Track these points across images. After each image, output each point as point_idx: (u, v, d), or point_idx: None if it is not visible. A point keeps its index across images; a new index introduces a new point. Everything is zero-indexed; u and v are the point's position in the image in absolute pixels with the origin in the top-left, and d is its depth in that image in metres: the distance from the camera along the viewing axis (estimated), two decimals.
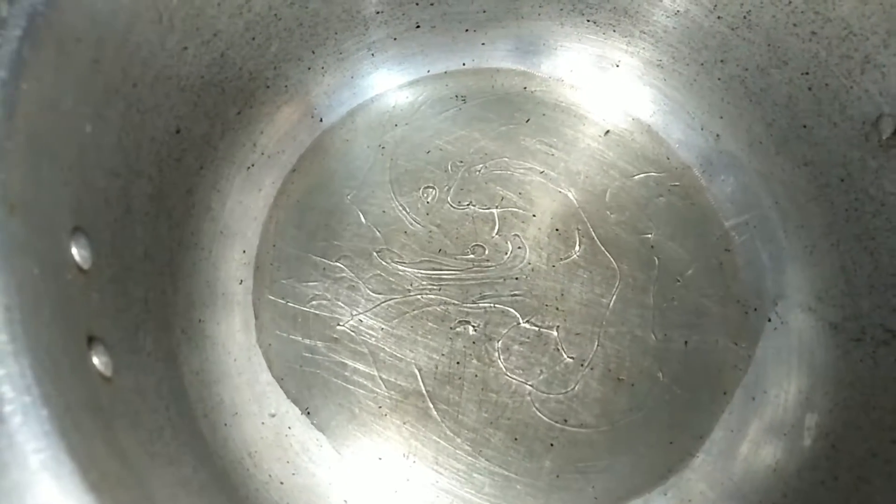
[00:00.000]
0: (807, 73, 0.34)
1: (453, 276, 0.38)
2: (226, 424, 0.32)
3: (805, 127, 0.35)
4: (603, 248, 0.39)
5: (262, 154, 0.37)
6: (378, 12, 0.38)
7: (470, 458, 0.35)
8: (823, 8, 0.31)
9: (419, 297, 0.37)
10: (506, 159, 0.40)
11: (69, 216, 0.20)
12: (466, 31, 0.40)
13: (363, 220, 0.38)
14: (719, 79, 0.38)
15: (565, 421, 0.36)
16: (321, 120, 0.39)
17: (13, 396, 0.15)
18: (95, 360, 0.19)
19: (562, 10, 0.39)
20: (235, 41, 0.31)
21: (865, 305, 0.33)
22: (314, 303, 0.37)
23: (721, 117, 0.39)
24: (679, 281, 0.39)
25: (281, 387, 0.35)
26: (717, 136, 0.40)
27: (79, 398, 0.17)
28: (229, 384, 0.33)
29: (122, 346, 0.22)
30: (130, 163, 0.25)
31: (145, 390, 0.23)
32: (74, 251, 0.20)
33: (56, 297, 0.18)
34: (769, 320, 0.38)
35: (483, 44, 0.41)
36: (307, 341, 0.36)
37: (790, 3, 0.33)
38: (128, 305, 0.24)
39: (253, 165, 0.37)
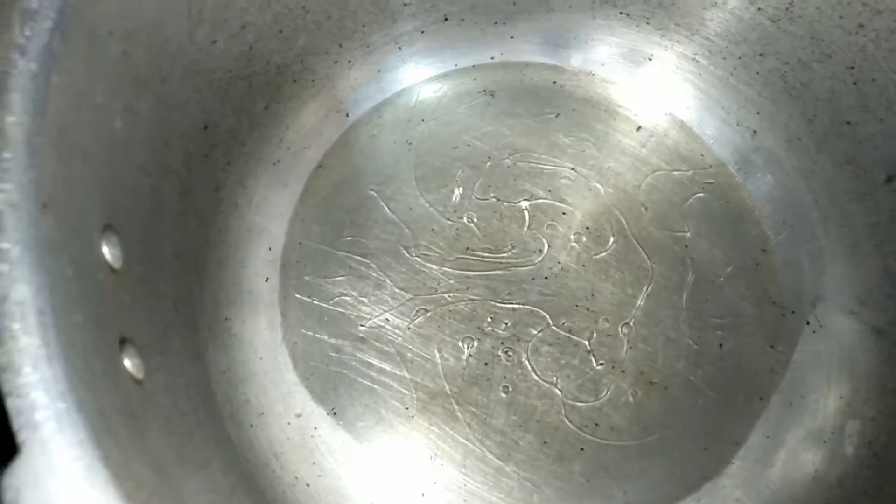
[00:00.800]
0: (852, 68, 0.32)
1: (481, 275, 0.37)
2: (252, 425, 0.31)
3: (849, 123, 0.34)
4: (636, 247, 0.38)
5: (289, 150, 0.36)
6: (405, 4, 0.37)
7: (498, 461, 0.34)
8: None
9: (446, 295, 0.37)
10: (535, 155, 0.39)
11: (100, 214, 0.20)
12: (495, 23, 0.40)
13: (390, 216, 0.38)
14: (758, 73, 0.37)
15: (596, 425, 0.35)
16: (347, 115, 0.39)
17: (47, 402, 0.15)
18: (127, 363, 0.19)
19: (594, 1, 0.38)
20: (264, 34, 0.30)
21: None
22: (340, 301, 0.36)
23: (758, 113, 0.38)
24: (713, 281, 0.37)
25: (307, 387, 0.34)
26: (754, 132, 0.39)
27: (113, 404, 0.17)
28: (255, 384, 0.33)
29: (152, 348, 0.22)
30: (160, 159, 0.25)
31: (175, 392, 0.23)
32: (106, 250, 0.20)
33: (89, 298, 0.18)
34: (808, 323, 0.36)
35: (512, 37, 0.40)
36: (333, 340, 0.36)
37: None
38: (158, 305, 0.23)
39: (279, 161, 0.36)
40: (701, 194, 0.39)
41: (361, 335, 0.36)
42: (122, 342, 0.19)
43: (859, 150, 0.34)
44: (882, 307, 0.34)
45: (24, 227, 0.16)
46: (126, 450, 0.16)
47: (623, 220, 0.38)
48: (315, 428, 0.34)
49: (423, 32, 0.39)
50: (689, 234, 0.38)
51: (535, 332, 0.36)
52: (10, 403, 0.15)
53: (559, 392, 0.35)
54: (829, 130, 0.35)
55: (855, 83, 0.33)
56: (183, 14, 0.24)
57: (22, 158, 0.17)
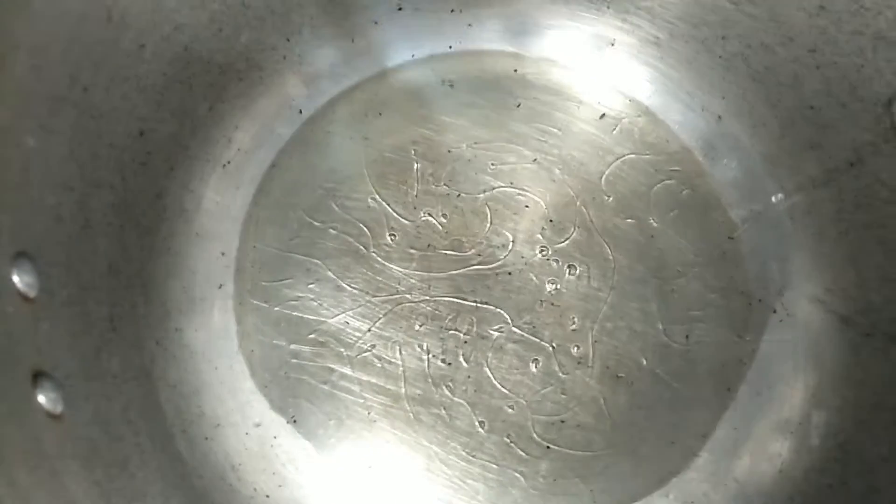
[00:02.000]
0: (814, 51, 0.31)
1: (443, 273, 0.36)
2: (207, 438, 0.31)
3: (812, 108, 0.33)
4: (600, 239, 0.37)
5: (239, 150, 0.35)
6: None
7: (463, 463, 0.34)
8: None
9: (408, 295, 0.36)
10: (496, 146, 0.38)
11: (9, 242, 0.19)
12: (452, 11, 0.38)
13: (348, 216, 0.36)
14: (720, 56, 0.36)
15: (562, 422, 0.34)
16: (300, 111, 0.37)
17: None
18: (42, 399, 0.18)
19: None
20: (200, 34, 0.29)
21: (877, 299, 0.31)
22: (298, 305, 0.35)
23: (723, 98, 0.37)
24: (680, 271, 0.37)
25: (265, 395, 0.34)
26: (719, 117, 0.38)
27: (18, 449, 0.16)
28: (210, 395, 0.32)
29: (77, 376, 0.21)
30: (86, 173, 0.23)
31: (108, 419, 0.22)
32: (17, 279, 0.19)
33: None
34: (774, 311, 0.36)
35: (470, 25, 0.39)
36: (292, 346, 0.35)
37: None
38: (87, 328, 0.22)
39: (229, 163, 0.35)
40: (666, 182, 0.38)
41: (321, 340, 0.35)
42: (36, 377, 0.18)
43: (823, 135, 0.33)
44: (848, 296, 0.33)
45: None
46: (30, 500, 0.15)
47: (587, 211, 0.37)
48: (275, 437, 0.33)
49: (376, 23, 0.37)
50: (654, 224, 0.37)
51: (499, 331, 0.35)
52: None
53: (524, 391, 0.35)
54: (793, 115, 0.34)
55: (818, 67, 0.32)
56: (102, 20, 0.22)
57: None
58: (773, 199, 0.36)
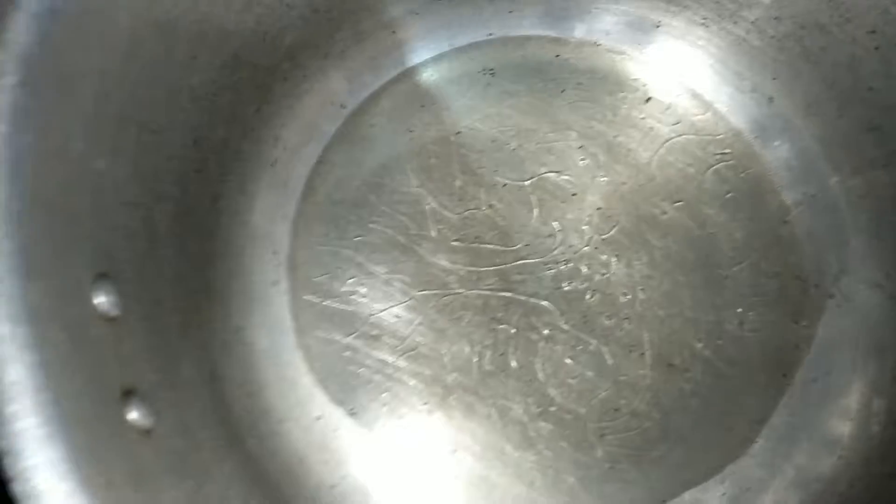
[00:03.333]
0: (873, 32, 0.30)
1: (492, 265, 0.36)
2: (273, 434, 0.31)
3: (871, 89, 0.32)
4: (650, 225, 0.37)
5: (286, 149, 0.35)
6: None
7: (519, 451, 0.34)
8: None
9: (457, 287, 0.36)
10: (541, 134, 0.38)
11: (91, 265, 0.19)
12: None
13: (394, 210, 0.37)
14: (772, 37, 0.35)
15: (616, 410, 0.35)
16: (343, 106, 0.37)
17: (51, 485, 0.15)
18: (133, 415, 0.19)
19: None
20: (247, 39, 0.29)
21: None
22: (350, 299, 0.36)
23: (774, 79, 0.36)
24: (732, 257, 0.36)
25: (324, 389, 0.34)
26: (771, 98, 0.37)
27: (120, 469, 0.16)
28: (273, 391, 0.33)
29: (160, 387, 0.21)
30: (150, 188, 0.24)
31: (189, 427, 0.23)
32: (101, 301, 0.19)
33: (86, 360, 0.17)
34: (831, 297, 0.35)
35: (510, 11, 0.38)
36: (346, 340, 0.35)
37: None
38: (163, 339, 0.23)
39: (277, 161, 0.35)
40: (716, 166, 0.38)
41: (373, 333, 0.35)
42: (126, 394, 0.19)
43: (883, 117, 0.32)
44: None
45: (10, 302, 0.16)
46: None
47: (635, 197, 0.37)
48: (335, 429, 0.34)
49: (416, 14, 0.37)
50: (705, 209, 0.37)
51: (549, 321, 0.35)
52: (14, 489, 0.14)
53: (576, 380, 0.35)
54: (850, 96, 0.33)
55: (877, 48, 0.31)
56: (156, 37, 0.23)
57: (1, 228, 0.16)
58: (830, 181, 0.36)
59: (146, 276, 0.23)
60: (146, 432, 0.19)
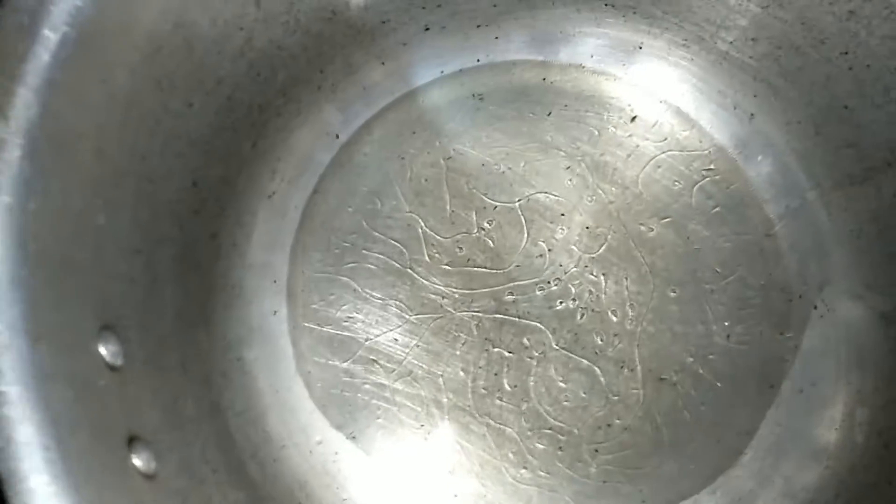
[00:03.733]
0: (846, 53, 0.31)
1: (485, 287, 0.37)
2: (274, 460, 0.33)
3: (846, 108, 0.33)
4: (636, 243, 0.38)
5: (283, 181, 0.37)
6: (383, 22, 0.36)
7: (515, 469, 0.35)
8: None
9: (450, 310, 0.37)
10: (529, 156, 0.39)
11: (94, 319, 0.20)
12: (478, 26, 0.39)
13: (387, 236, 0.38)
14: (751, 57, 0.36)
15: (608, 426, 0.36)
16: (337, 136, 0.38)
17: None
18: (137, 462, 0.20)
19: None
20: (240, 82, 0.30)
21: None
22: (348, 325, 0.37)
23: (755, 96, 0.37)
24: (718, 271, 0.37)
25: (324, 413, 0.35)
26: (752, 115, 0.38)
27: None
28: (274, 417, 0.34)
29: (164, 429, 0.22)
30: (149, 234, 0.25)
31: (191, 464, 0.24)
32: (104, 352, 0.20)
33: (92, 413, 0.19)
34: (815, 308, 0.36)
35: (497, 38, 0.39)
36: (345, 364, 0.36)
37: None
38: (164, 380, 0.24)
39: (274, 193, 0.36)
40: (701, 182, 0.38)
41: (371, 357, 0.36)
42: (131, 441, 0.20)
43: (859, 134, 0.33)
44: (888, 293, 0.33)
45: (19, 365, 0.17)
46: None
47: (622, 215, 0.38)
48: (336, 453, 0.35)
49: (405, 45, 0.38)
50: (690, 224, 0.38)
51: (543, 340, 0.36)
52: None
53: (569, 397, 0.36)
54: (827, 114, 0.34)
55: (850, 68, 0.32)
56: (154, 89, 0.24)
57: (8, 295, 0.17)
58: (810, 195, 0.37)
59: (148, 319, 0.24)
60: (150, 477, 0.20)
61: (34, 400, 0.17)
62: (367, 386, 0.36)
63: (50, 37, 0.18)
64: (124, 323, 0.22)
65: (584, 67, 0.40)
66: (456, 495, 0.35)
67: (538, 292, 0.37)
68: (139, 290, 0.24)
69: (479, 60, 0.40)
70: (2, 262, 0.17)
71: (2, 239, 0.17)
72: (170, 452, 0.22)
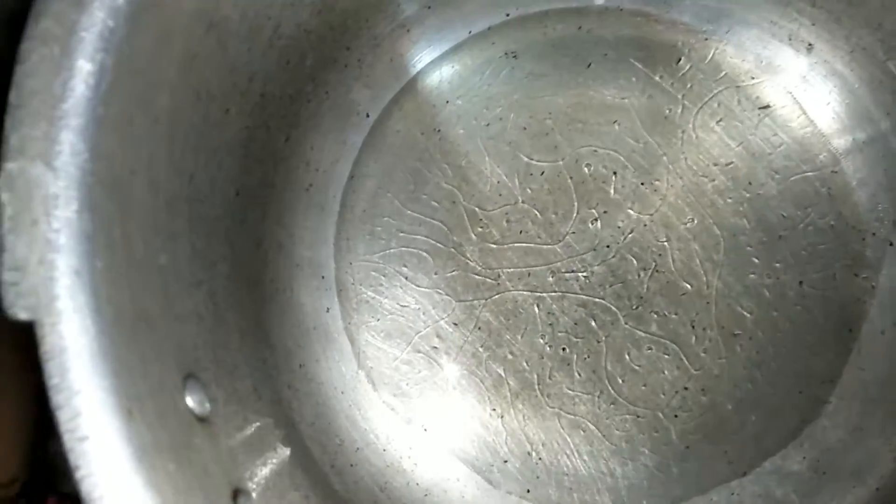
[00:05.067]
0: None
1: (539, 260, 0.35)
2: (352, 465, 0.31)
3: None
4: (696, 196, 0.36)
5: (317, 170, 0.34)
6: None
7: (594, 444, 0.34)
8: None
9: (509, 286, 0.35)
10: (572, 114, 0.37)
11: (177, 371, 0.19)
12: None
13: (432, 217, 0.36)
14: None
15: (685, 388, 0.34)
16: (367, 115, 0.36)
17: None
18: None
19: None
20: (271, 73, 0.27)
21: None
22: (403, 313, 0.35)
23: (813, 24, 0.34)
24: (785, 216, 0.35)
25: (392, 408, 0.34)
26: (810, 45, 0.35)
27: None
28: (344, 421, 0.33)
29: (256, 470, 0.21)
30: (206, 260, 0.23)
31: (285, 495, 0.22)
32: (191, 404, 0.19)
33: (197, 478, 0.17)
34: (891, 244, 0.34)
35: None
36: (406, 355, 0.35)
37: None
38: (245, 416, 0.23)
39: (311, 186, 0.34)
40: (758, 122, 0.36)
41: (434, 345, 0.35)
42: (235, 496, 0.19)
43: None
44: None
45: (117, 446, 0.15)
46: None
47: (678, 166, 0.36)
48: (410, 448, 0.34)
49: (429, 8, 0.35)
50: (753, 168, 0.36)
51: (607, 309, 0.35)
52: None
53: (643, 364, 0.34)
54: None
55: None
56: (194, 103, 0.21)
57: (94, 370, 0.15)
58: (881, 126, 0.34)
59: (219, 354, 0.22)
60: None
61: (139, 482, 0.15)
62: (431, 375, 0.35)
63: (86, 67, 0.16)
64: (202, 366, 0.20)
65: (621, 10, 0.37)
66: (538, 476, 0.34)
67: (597, 260, 0.35)
68: (207, 324, 0.22)
69: (508, 15, 0.37)
70: (81, 336, 0.15)
71: (77, 308, 0.15)
72: (267, 494, 0.21)
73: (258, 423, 0.24)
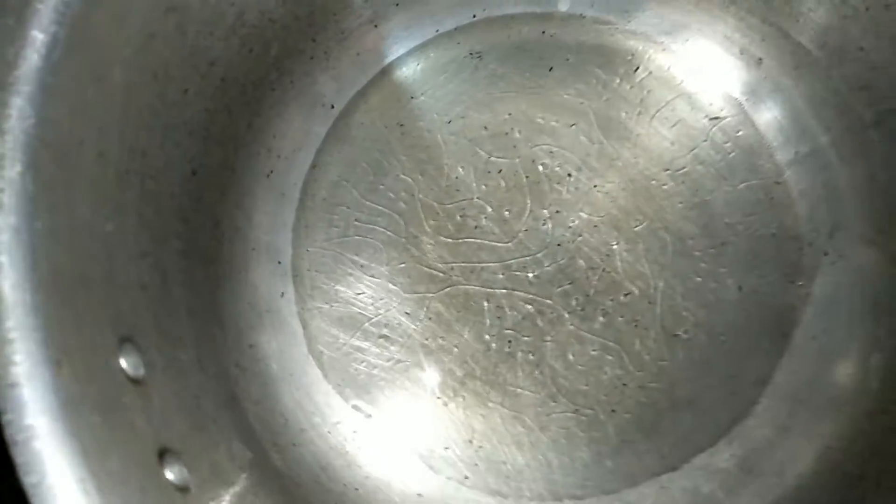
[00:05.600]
0: None
1: (492, 254, 0.37)
2: (294, 445, 0.32)
3: (861, 49, 0.32)
4: (646, 196, 0.37)
5: (279, 157, 0.35)
6: None
7: (534, 433, 0.36)
8: None
9: (460, 279, 0.37)
10: (532, 115, 0.38)
11: (113, 334, 0.19)
12: None
13: (390, 209, 0.37)
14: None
15: (624, 385, 0.36)
16: (332, 107, 0.37)
17: None
18: (171, 476, 0.19)
19: None
20: (233, 60, 0.28)
21: None
22: (356, 301, 0.36)
23: (763, 40, 0.36)
24: (728, 223, 0.37)
25: (339, 393, 0.35)
26: (760, 59, 0.37)
27: None
28: (291, 402, 0.34)
29: (190, 435, 0.22)
30: (155, 233, 0.24)
31: (220, 467, 0.23)
32: (125, 365, 0.20)
33: (122, 434, 0.18)
34: (826, 254, 0.36)
35: None
36: (356, 342, 0.36)
37: None
38: (185, 382, 0.24)
39: (272, 172, 0.35)
40: (708, 131, 0.38)
41: (383, 333, 0.36)
42: (161, 455, 0.20)
43: (873, 76, 0.32)
44: None
45: (44, 395, 0.16)
46: None
47: (629, 170, 0.37)
48: (354, 432, 0.35)
49: (397, 5, 0.36)
50: (700, 176, 0.37)
51: (554, 304, 0.36)
52: None
53: (584, 360, 0.36)
54: (839, 56, 0.33)
55: (867, 8, 0.31)
56: (150, 82, 0.22)
57: (25, 323, 0.16)
58: (821, 140, 0.36)
59: (162, 323, 0.23)
60: (185, 489, 0.20)
61: (63, 430, 0.16)
62: (380, 361, 0.36)
63: (39, 38, 0.17)
64: (141, 332, 0.21)
65: (584, 18, 0.38)
66: (477, 464, 0.35)
67: (547, 256, 0.37)
68: (151, 294, 0.23)
69: (474, 16, 0.38)
70: (15, 289, 0.16)
71: (12, 263, 0.16)
72: (199, 459, 0.22)
73: (197, 394, 0.24)
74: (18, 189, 0.17)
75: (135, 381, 0.20)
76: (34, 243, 0.17)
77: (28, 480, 0.15)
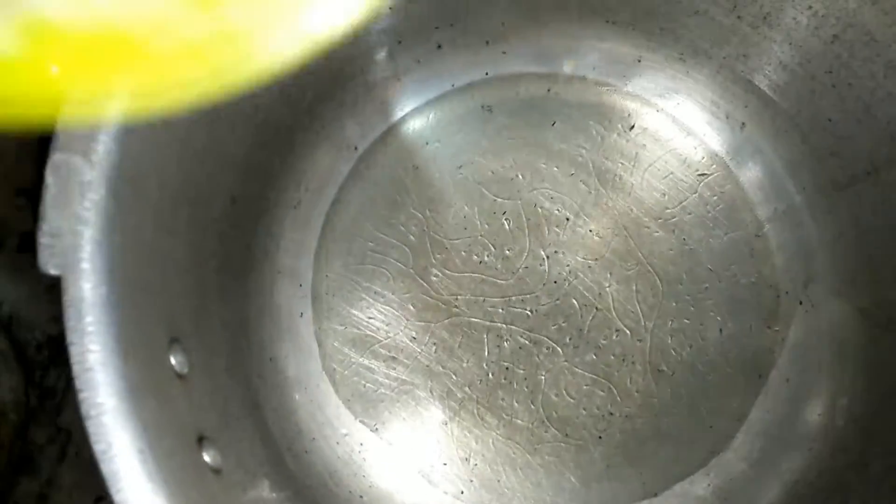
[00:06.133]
0: (830, 72, 0.34)
1: (494, 287, 0.40)
2: (306, 452, 0.36)
3: (830, 120, 0.36)
4: (637, 245, 0.40)
5: (307, 191, 0.39)
6: (399, 42, 0.38)
7: (527, 455, 0.38)
8: (844, 14, 0.31)
9: (464, 309, 0.40)
10: (535, 165, 0.42)
11: (165, 334, 0.23)
12: (487, 43, 0.41)
13: (403, 242, 0.40)
14: (742, 71, 0.39)
15: (611, 414, 0.39)
16: (356, 148, 0.41)
17: None
18: (207, 459, 0.23)
19: (581, 15, 0.39)
20: (274, 106, 0.32)
21: (892, 295, 0.35)
22: (369, 325, 0.40)
23: (746, 107, 0.40)
24: (711, 270, 0.40)
25: (349, 408, 0.38)
26: (743, 124, 0.40)
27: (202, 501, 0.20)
28: (304, 413, 0.37)
29: (220, 428, 0.25)
30: (199, 253, 0.28)
31: (243, 460, 0.27)
32: (173, 362, 0.23)
33: (172, 419, 0.21)
34: (800, 303, 0.39)
35: (504, 52, 0.42)
36: (367, 362, 0.39)
37: (810, 7, 0.33)
38: (216, 384, 0.27)
39: (300, 203, 0.39)
40: (696, 185, 0.41)
41: (391, 355, 0.39)
42: (200, 440, 0.23)
43: (842, 145, 0.36)
44: (866, 290, 0.36)
45: (115, 380, 0.20)
46: None
47: (625, 219, 0.41)
48: (361, 444, 0.38)
49: (419, 62, 0.40)
50: (687, 226, 0.41)
51: (551, 336, 0.39)
52: None
53: (576, 389, 0.39)
54: (812, 125, 0.37)
55: (833, 86, 0.34)
56: (204, 125, 0.26)
57: (103, 318, 0.20)
58: (796, 200, 0.39)
59: (201, 331, 0.27)
60: (218, 471, 0.23)
61: (128, 410, 0.19)
62: (387, 381, 0.39)
63: None
64: (185, 335, 0.25)
65: (586, 79, 0.42)
66: (471, 480, 0.38)
67: (546, 292, 0.40)
68: (193, 304, 0.27)
69: (487, 74, 0.42)
70: (97, 289, 0.20)
71: (95, 269, 0.20)
72: (228, 449, 0.25)
73: (226, 396, 0.28)
74: (102, 210, 0.20)
75: (180, 376, 0.23)
76: (111, 254, 0.20)
77: (98, 448, 0.19)
